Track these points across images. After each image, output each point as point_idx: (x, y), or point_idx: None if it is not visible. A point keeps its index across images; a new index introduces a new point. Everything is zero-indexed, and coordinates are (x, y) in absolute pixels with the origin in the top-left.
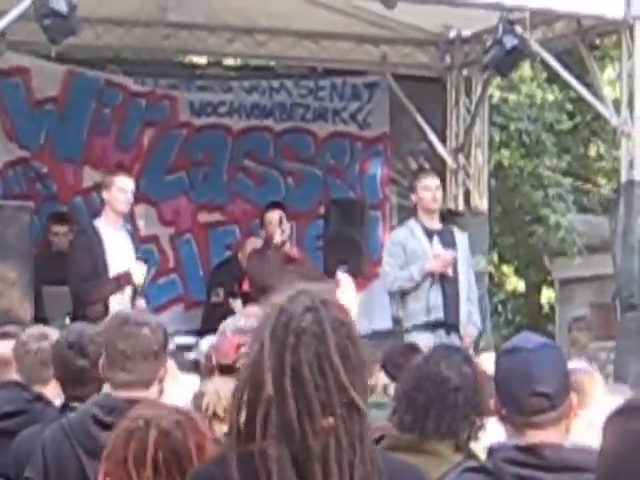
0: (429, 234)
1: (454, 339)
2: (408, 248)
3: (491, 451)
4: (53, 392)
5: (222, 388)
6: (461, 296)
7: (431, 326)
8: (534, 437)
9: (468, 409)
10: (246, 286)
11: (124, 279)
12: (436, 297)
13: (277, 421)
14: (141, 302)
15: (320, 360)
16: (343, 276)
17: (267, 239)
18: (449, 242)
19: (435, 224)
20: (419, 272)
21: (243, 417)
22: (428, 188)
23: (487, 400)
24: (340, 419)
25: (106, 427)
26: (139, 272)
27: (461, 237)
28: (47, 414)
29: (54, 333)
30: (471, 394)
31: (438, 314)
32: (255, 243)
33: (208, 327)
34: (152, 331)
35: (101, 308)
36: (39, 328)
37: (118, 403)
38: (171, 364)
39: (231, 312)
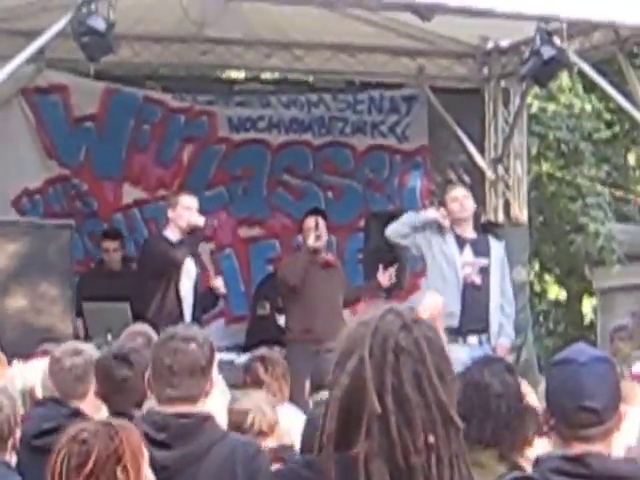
0: (461, 243)
1: (470, 340)
2: (434, 253)
3: (538, 461)
4: (90, 407)
5: (263, 404)
6: (491, 305)
7: (446, 332)
8: (580, 449)
9: (511, 417)
10: None
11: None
12: (454, 304)
13: (378, 437)
14: (219, 281)
15: (419, 379)
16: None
17: (302, 244)
18: (482, 251)
19: (468, 233)
20: (415, 218)
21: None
22: (455, 199)
23: (531, 410)
24: (440, 437)
25: (159, 445)
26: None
27: (497, 246)
28: None
29: (88, 348)
30: (513, 402)
31: (453, 322)
32: None
33: (253, 341)
34: (199, 346)
35: (174, 297)
36: (72, 344)
37: (168, 420)
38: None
39: (277, 326)
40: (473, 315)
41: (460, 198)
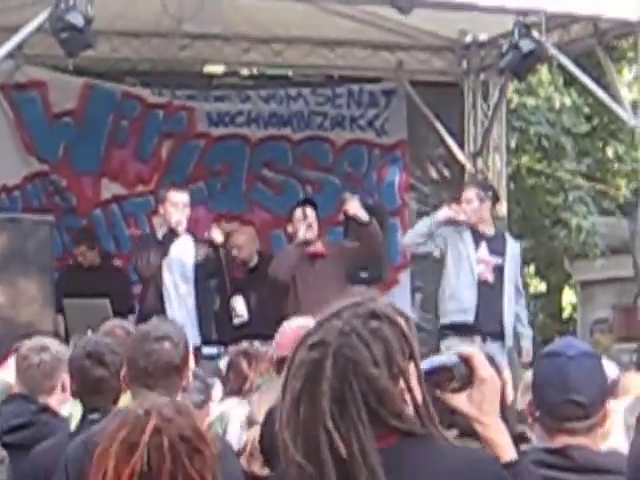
0: (477, 239)
1: (491, 347)
2: (451, 249)
3: (522, 454)
4: (57, 402)
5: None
6: (505, 304)
7: (462, 328)
8: (564, 442)
9: None
10: None
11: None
12: (469, 301)
13: None
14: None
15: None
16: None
17: (292, 235)
18: (497, 249)
19: (486, 229)
20: (429, 221)
21: None
22: (465, 200)
23: (509, 401)
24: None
25: None
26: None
27: (513, 244)
28: (54, 425)
29: (53, 344)
30: None
31: (469, 317)
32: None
33: (222, 336)
34: (174, 345)
35: (154, 294)
36: (39, 340)
37: None
38: None
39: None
40: (487, 314)
41: (464, 202)
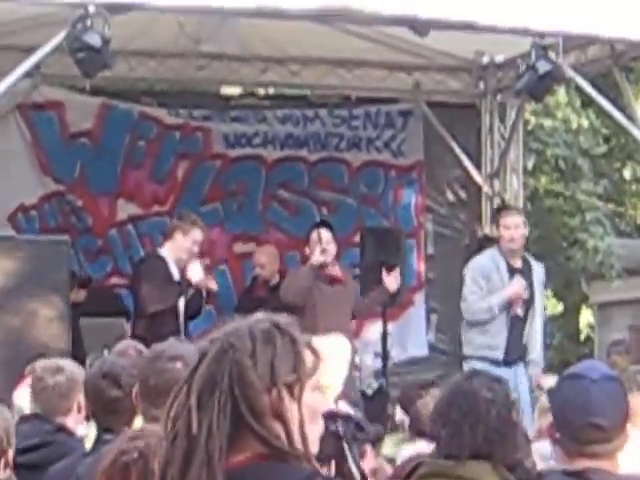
0: (512, 272)
1: (515, 370)
2: (491, 282)
3: (540, 476)
4: (74, 422)
5: None
6: (536, 334)
7: (489, 361)
8: (584, 465)
9: (501, 422)
10: None
11: (184, 282)
12: (500, 337)
13: None
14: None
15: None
16: None
17: (307, 257)
18: (527, 279)
19: (517, 262)
20: (498, 305)
21: None
22: (507, 227)
23: (520, 422)
24: None
25: None
26: (196, 271)
27: (538, 269)
28: (70, 445)
29: (68, 365)
30: (503, 410)
31: (498, 355)
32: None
33: None
34: (185, 365)
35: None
36: (54, 361)
37: None
38: None
39: None
40: (516, 346)
41: (512, 228)
